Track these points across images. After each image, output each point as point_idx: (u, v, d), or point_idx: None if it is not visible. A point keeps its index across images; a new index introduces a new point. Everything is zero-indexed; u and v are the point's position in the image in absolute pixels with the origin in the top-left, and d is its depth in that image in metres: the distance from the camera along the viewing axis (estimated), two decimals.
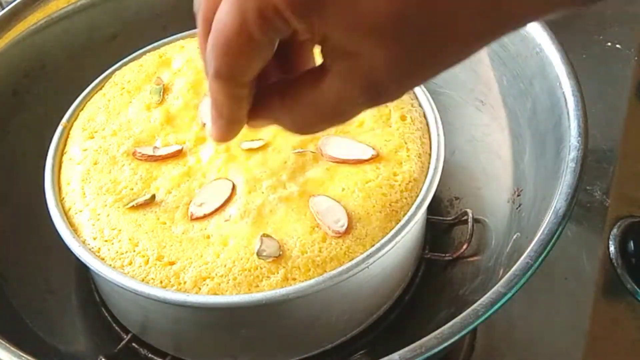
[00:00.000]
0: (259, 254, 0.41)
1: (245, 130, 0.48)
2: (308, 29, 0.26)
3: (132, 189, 0.46)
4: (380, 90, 0.28)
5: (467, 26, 0.26)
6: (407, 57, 0.26)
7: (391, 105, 0.49)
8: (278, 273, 0.41)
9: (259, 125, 0.34)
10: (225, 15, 0.27)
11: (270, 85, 0.32)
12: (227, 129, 0.34)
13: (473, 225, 0.52)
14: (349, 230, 0.42)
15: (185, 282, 0.41)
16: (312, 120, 0.30)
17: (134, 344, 0.50)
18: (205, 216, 0.44)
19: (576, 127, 0.44)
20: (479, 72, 0.57)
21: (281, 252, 0.42)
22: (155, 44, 0.55)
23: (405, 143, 0.47)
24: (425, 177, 0.46)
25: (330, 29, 0.26)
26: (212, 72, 0.29)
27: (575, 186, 0.41)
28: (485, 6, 0.25)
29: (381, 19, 0.25)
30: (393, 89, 0.28)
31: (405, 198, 0.44)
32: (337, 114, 0.30)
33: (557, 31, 0.50)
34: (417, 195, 0.45)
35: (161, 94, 0.51)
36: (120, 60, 0.55)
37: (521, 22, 0.27)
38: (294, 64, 0.33)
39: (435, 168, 0.46)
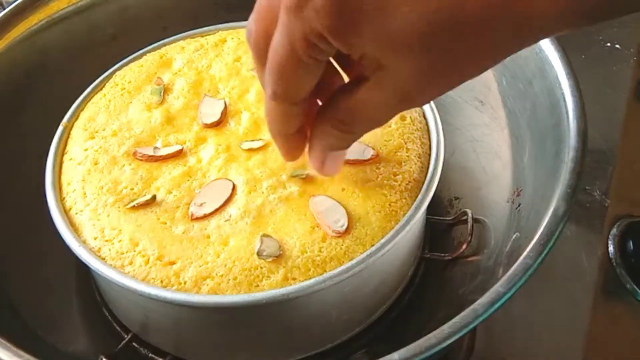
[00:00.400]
0: (259, 254, 0.41)
1: (245, 130, 0.49)
2: (348, 48, 0.30)
3: (133, 189, 0.46)
4: (409, 97, 0.32)
5: (489, 42, 0.29)
6: (431, 70, 0.30)
7: None
8: (278, 273, 0.41)
9: (319, 157, 0.38)
10: (277, 44, 0.31)
11: (316, 129, 0.37)
12: (284, 147, 0.39)
13: (473, 225, 0.52)
14: (348, 230, 0.42)
15: (185, 282, 0.41)
16: (352, 124, 0.35)
17: (134, 344, 0.50)
18: (205, 216, 0.44)
19: (575, 127, 0.44)
20: None
21: (281, 252, 0.42)
22: (156, 44, 0.56)
23: (405, 143, 0.47)
24: (425, 177, 0.46)
25: (366, 46, 0.30)
26: (269, 93, 0.34)
27: (574, 186, 0.42)
28: (506, 25, 0.28)
29: (408, 37, 0.29)
30: (420, 97, 0.32)
31: (405, 198, 0.44)
32: (374, 117, 0.34)
33: None
34: (417, 196, 0.45)
35: (161, 94, 0.51)
36: (120, 60, 0.55)
37: (536, 38, 0.31)
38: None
39: (435, 168, 0.46)
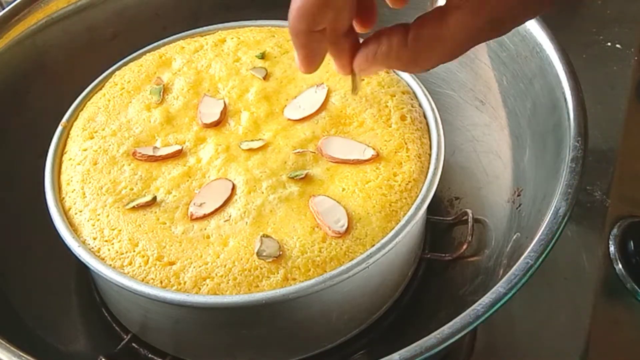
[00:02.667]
0: (259, 254, 0.41)
1: (245, 130, 0.49)
2: None
3: (132, 189, 0.46)
4: (500, 24, 0.33)
5: None
6: None
7: (391, 105, 0.49)
8: (278, 273, 0.41)
9: (371, 72, 0.38)
10: None
11: (384, 31, 0.36)
12: (305, 48, 0.37)
13: (473, 225, 0.52)
14: (349, 230, 0.42)
15: (185, 282, 0.41)
16: (434, 55, 0.35)
17: (134, 344, 0.50)
18: (205, 216, 0.44)
19: (576, 127, 0.44)
20: (479, 72, 0.57)
21: (281, 252, 0.42)
22: (155, 44, 0.56)
23: (405, 143, 0.47)
24: (425, 177, 0.46)
25: None
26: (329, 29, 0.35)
27: (575, 186, 0.41)
28: None
29: None
30: (509, 24, 0.33)
31: (405, 198, 0.44)
32: (460, 46, 0.34)
33: (557, 31, 0.50)
34: (417, 196, 0.45)
35: (161, 94, 0.51)
36: (120, 60, 0.55)
37: None
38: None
39: (435, 168, 0.46)
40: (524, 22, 0.34)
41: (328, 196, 0.44)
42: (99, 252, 0.43)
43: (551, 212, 0.41)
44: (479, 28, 0.33)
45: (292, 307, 0.43)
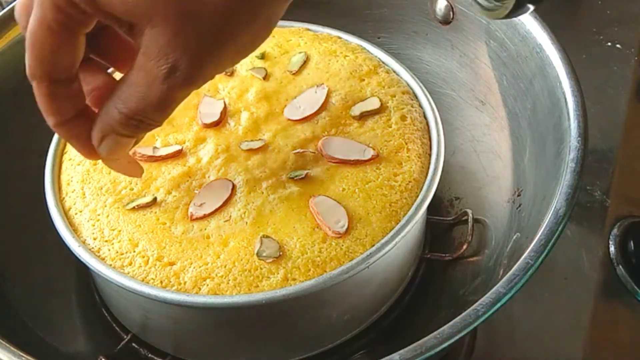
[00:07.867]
0: (259, 255, 0.41)
1: (245, 130, 0.49)
2: (100, 13, 0.29)
3: (132, 190, 0.46)
4: (178, 70, 0.30)
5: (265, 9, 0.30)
6: (196, 37, 0.29)
7: (391, 105, 0.49)
8: (278, 273, 0.41)
9: (98, 139, 0.35)
10: (32, 16, 0.30)
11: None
12: (66, 136, 0.36)
13: (473, 225, 0.52)
14: (349, 230, 0.42)
15: (185, 283, 0.41)
16: (137, 110, 0.32)
17: (134, 344, 0.50)
18: (205, 216, 0.44)
19: (576, 127, 0.44)
20: (479, 72, 0.57)
21: (281, 253, 0.42)
22: None
23: (406, 144, 0.47)
24: (426, 177, 0.46)
25: (115, 7, 0.29)
26: (28, 73, 0.32)
27: (575, 186, 0.41)
28: None
29: None
30: (190, 71, 0.30)
31: (405, 198, 0.44)
32: (155, 99, 0.31)
33: (557, 31, 0.50)
34: (417, 196, 0.45)
35: None
36: None
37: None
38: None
39: (435, 168, 0.46)
40: (211, 73, 0.32)
41: (328, 196, 0.44)
42: (99, 252, 0.43)
43: (551, 212, 0.41)
44: (158, 76, 0.30)
45: (292, 307, 0.43)
